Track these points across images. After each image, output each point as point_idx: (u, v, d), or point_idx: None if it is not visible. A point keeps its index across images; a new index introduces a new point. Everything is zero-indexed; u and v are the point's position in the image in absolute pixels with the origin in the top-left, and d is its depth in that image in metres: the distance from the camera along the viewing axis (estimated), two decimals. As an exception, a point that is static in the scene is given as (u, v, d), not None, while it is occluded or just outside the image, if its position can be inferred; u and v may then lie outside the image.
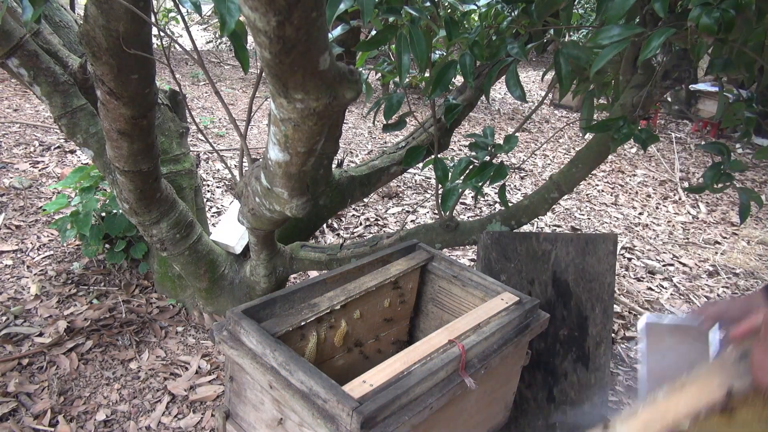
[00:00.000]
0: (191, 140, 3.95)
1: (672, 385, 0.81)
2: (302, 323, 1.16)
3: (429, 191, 3.69)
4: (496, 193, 3.07)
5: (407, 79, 2.01)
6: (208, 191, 3.24)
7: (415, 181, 3.84)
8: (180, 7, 1.34)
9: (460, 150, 4.63)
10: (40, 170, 3.15)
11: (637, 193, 4.05)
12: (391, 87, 5.41)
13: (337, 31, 1.45)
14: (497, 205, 3.51)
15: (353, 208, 3.27)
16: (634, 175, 4.42)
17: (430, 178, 3.88)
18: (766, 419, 0.77)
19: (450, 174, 1.69)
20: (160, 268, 2.12)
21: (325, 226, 2.95)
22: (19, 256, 2.34)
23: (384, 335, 1.45)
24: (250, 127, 3.21)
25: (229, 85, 5.97)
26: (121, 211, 1.92)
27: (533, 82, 7.96)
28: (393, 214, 3.30)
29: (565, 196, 3.18)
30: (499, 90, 6.98)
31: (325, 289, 1.27)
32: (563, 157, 4.74)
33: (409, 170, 3.22)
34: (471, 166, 1.65)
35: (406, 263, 1.41)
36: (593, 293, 1.66)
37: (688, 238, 3.31)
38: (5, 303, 2.04)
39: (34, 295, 2.10)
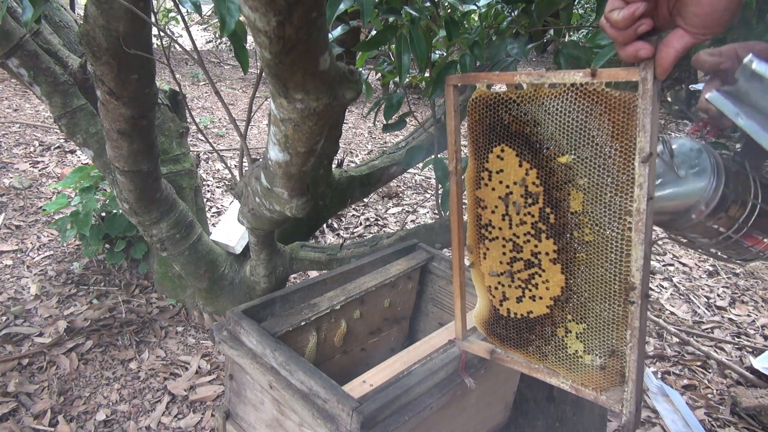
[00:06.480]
0: (191, 140, 3.95)
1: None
2: (302, 323, 1.16)
3: (429, 191, 3.69)
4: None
5: (407, 79, 2.01)
6: (208, 191, 3.24)
7: (415, 181, 3.84)
8: (180, 7, 1.34)
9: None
10: (40, 170, 3.15)
11: (637, 193, 4.05)
12: (391, 87, 5.40)
13: (337, 31, 1.45)
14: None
15: (353, 208, 3.27)
16: (634, 175, 4.42)
17: (430, 178, 3.88)
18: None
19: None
20: (160, 268, 2.12)
21: (325, 226, 2.95)
22: (19, 256, 2.34)
23: (384, 335, 1.45)
24: (250, 127, 3.21)
25: (229, 85, 5.97)
26: (121, 211, 1.92)
27: (533, 82, 7.95)
28: (393, 214, 3.30)
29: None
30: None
31: (325, 289, 1.27)
32: (563, 157, 4.73)
33: (409, 170, 3.22)
34: (471, 166, 1.65)
35: (406, 263, 1.41)
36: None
37: (688, 238, 3.30)
38: (5, 303, 2.04)
39: (34, 295, 2.10)
